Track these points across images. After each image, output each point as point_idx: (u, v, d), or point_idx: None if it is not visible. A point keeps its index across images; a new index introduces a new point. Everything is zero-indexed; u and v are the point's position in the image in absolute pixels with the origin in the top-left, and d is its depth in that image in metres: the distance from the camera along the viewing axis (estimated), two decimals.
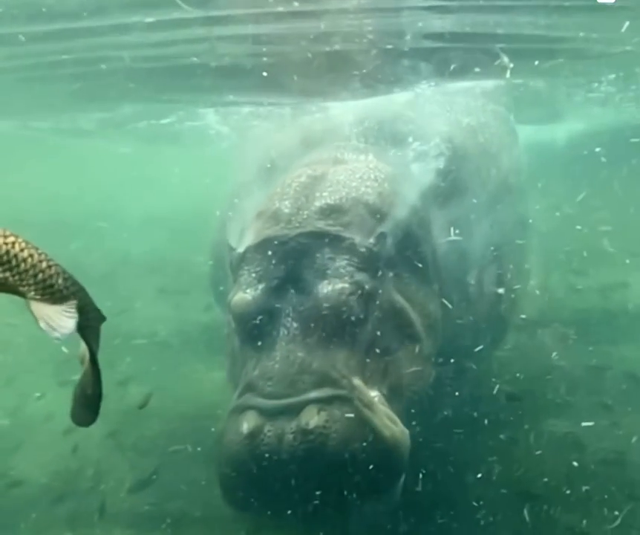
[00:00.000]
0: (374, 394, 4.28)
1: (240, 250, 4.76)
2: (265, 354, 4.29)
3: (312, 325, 4.34)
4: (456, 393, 5.36)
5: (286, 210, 4.81)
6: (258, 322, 4.41)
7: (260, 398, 4.10)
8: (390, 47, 7.01)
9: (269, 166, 6.05)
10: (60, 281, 2.12)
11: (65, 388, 7.59)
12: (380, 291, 4.63)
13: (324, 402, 4.04)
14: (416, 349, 4.70)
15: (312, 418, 3.94)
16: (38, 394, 8.24)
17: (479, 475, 5.80)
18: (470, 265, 5.75)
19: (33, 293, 2.08)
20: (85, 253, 12.21)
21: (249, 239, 4.81)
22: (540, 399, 7.16)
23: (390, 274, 4.80)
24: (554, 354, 7.78)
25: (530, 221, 7.36)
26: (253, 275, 4.58)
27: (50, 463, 6.95)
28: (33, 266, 2.06)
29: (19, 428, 7.74)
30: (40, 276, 2.07)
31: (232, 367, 4.79)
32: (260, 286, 4.51)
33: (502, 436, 6.28)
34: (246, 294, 4.50)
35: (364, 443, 3.98)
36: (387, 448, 4.04)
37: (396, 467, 4.13)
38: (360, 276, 4.55)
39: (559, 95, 11.40)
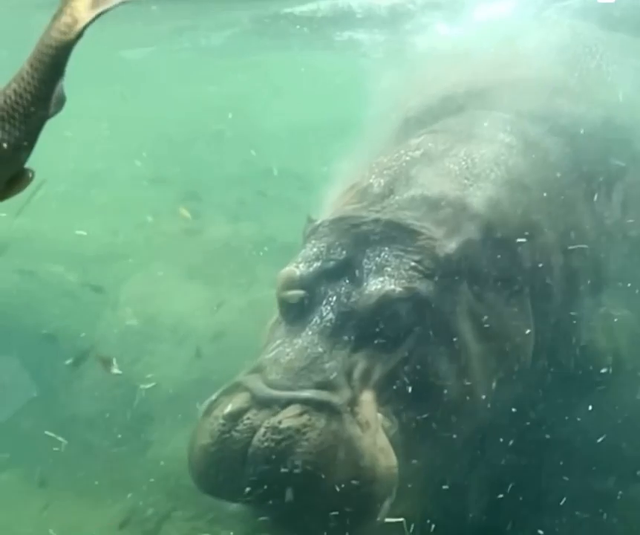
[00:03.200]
0: (384, 417, 3.81)
1: (318, 221, 4.37)
2: (289, 338, 4.00)
3: (347, 321, 3.95)
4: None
5: (377, 190, 4.36)
6: (297, 301, 4.10)
7: (260, 382, 3.80)
8: None
9: (397, 125, 5.45)
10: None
11: None
12: (442, 307, 4.04)
13: (313, 405, 3.64)
14: (464, 389, 4.04)
15: (289, 419, 3.59)
16: None
17: None
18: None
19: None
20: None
21: (329, 211, 4.46)
22: None
23: (470, 293, 4.18)
24: None
25: None
26: (314, 250, 4.19)
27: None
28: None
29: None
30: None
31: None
32: (315, 264, 4.13)
33: None
34: (295, 269, 4.16)
35: (337, 463, 3.55)
36: (361, 477, 3.57)
37: (366, 502, 3.64)
38: (422, 284, 4.00)
39: None
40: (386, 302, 3.95)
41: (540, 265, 4.52)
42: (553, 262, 4.60)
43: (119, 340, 7.40)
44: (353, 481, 3.57)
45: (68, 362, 6.79)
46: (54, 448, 6.00)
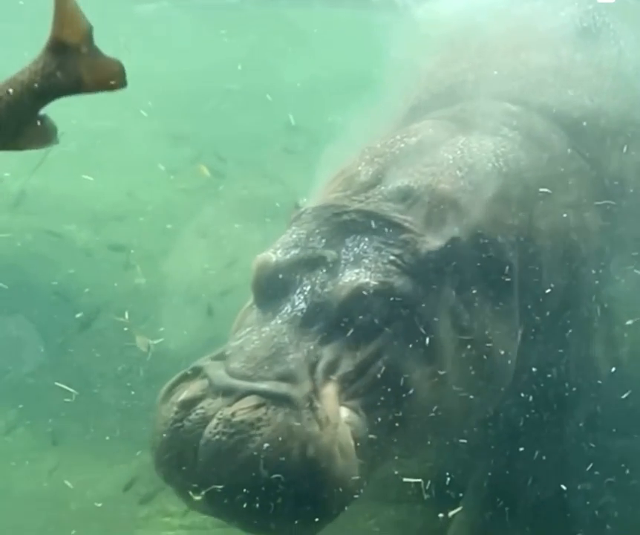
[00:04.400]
0: (346, 415, 3.57)
1: (302, 209, 4.21)
2: (259, 325, 3.79)
3: (319, 312, 3.75)
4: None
5: (364, 178, 4.18)
6: (271, 288, 3.91)
7: (221, 370, 3.59)
8: None
9: (403, 110, 5.22)
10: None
11: None
12: (420, 306, 3.83)
13: (272, 398, 3.43)
14: (437, 394, 3.84)
15: (244, 411, 3.38)
16: None
17: None
18: None
19: None
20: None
21: (315, 200, 4.28)
22: None
23: (452, 295, 3.97)
24: None
25: None
26: (293, 236, 4.00)
27: None
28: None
29: None
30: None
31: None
32: (293, 251, 3.95)
33: None
34: (272, 255, 3.97)
35: (291, 462, 3.33)
36: (316, 478, 3.37)
37: (321, 503, 3.43)
38: (399, 280, 3.80)
39: None
40: (359, 294, 3.73)
41: (534, 271, 4.31)
42: (550, 268, 4.38)
43: (130, 298, 7.42)
44: (307, 482, 3.36)
45: (78, 316, 6.82)
46: (66, 401, 6.02)
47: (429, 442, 4.04)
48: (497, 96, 4.88)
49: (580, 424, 4.77)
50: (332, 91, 12.25)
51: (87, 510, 5.78)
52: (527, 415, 4.49)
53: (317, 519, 3.49)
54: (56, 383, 5.98)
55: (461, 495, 4.78)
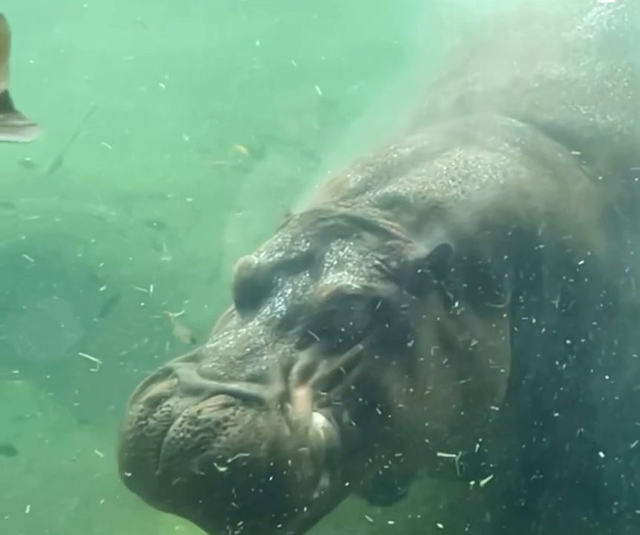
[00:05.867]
0: (319, 421, 3.43)
1: (292, 215, 4.13)
2: (237, 328, 3.69)
3: (298, 314, 3.64)
4: None
5: (353, 185, 4.08)
6: (252, 291, 3.79)
7: (192, 371, 3.47)
8: None
9: (408, 120, 5.10)
10: None
11: None
12: (403, 314, 3.68)
13: (242, 398, 3.30)
14: (417, 408, 3.67)
15: (211, 409, 3.26)
16: None
17: None
18: None
19: None
20: None
21: (305, 206, 4.18)
22: None
23: (439, 305, 3.81)
24: None
25: None
26: (278, 240, 3.92)
27: None
28: None
29: None
30: None
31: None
32: (276, 255, 3.84)
33: None
34: (255, 257, 3.86)
35: (256, 464, 3.20)
36: (282, 482, 3.24)
37: (285, 507, 3.29)
38: (382, 285, 3.67)
39: None
40: (338, 297, 3.59)
41: (530, 285, 4.14)
42: (548, 283, 4.21)
43: (156, 276, 7.49)
44: (272, 486, 3.23)
45: (103, 291, 6.89)
46: (92, 373, 6.04)
47: (414, 463, 3.88)
48: (503, 111, 4.69)
49: (616, 398, 4.65)
50: (362, 62, 12.16)
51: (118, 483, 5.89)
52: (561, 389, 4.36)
53: (280, 525, 3.34)
54: (80, 354, 6.02)
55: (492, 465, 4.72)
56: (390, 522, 4.59)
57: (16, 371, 6.93)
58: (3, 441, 6.46)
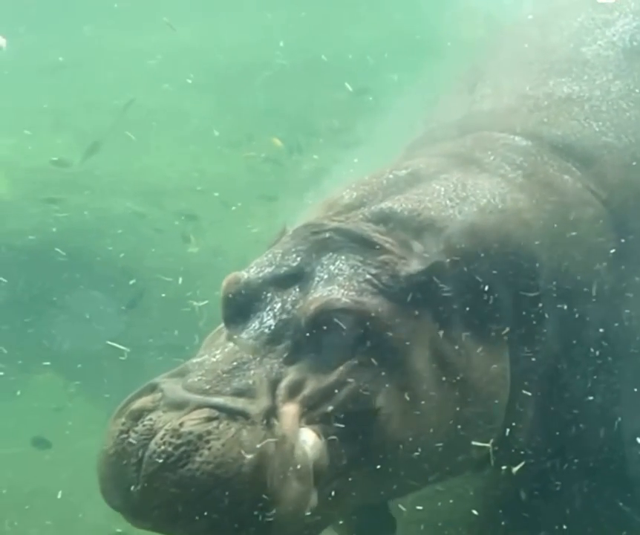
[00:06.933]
0: (306, 438, 3.36)
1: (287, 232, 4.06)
2: (225, 343, 3.63)
3: (287, 328, 3.56)
4: None
5: (347, 201, 4.02)
6: (240, 307, 3.72)
7: (178, 385, 3.39)
8: None
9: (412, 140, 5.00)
10: None
11: None
12: (395, 332, 3.59)
13: (227, 412, 3.23)
14: (407, 431, 3.57)
15: (193, 422, 3.18)
16: None
17: None
18: None
19: None
20: None
21: (300, 222, 4.11)
22: None
23: (433, 324, 3.72)
24: None
25: None
26: (269, 256, 3.82)
27: None
28: None
29: None
30: None
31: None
32: (266, 270, 3.75)
33: None
34: (245, 273, 3.77)
35: (239, 480, 3.13)
36: (265, 499, 3.16)
37: (269, 526, 3.20)
38: (373, 300, 3.58)
39: None
40: (327, 310, 3.49)
41: (528, 309, 4.00)
42: (549, 310, 4.07)
43: (184, 267, 7.51)
44: (255, 502, 3.15)
45: (135, 288, 6.92)
46: (122, 365, 6.08)
47: (406, 485, 3.75)
48: (507, 129, 4.54)
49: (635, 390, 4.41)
50: (392, 54, 12.06)
51: None
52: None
53: None
54: (108, 342, 6.03)
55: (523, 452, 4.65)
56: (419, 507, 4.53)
57: (47, 363, 7.02)
58: (35, 434, 6.55)
